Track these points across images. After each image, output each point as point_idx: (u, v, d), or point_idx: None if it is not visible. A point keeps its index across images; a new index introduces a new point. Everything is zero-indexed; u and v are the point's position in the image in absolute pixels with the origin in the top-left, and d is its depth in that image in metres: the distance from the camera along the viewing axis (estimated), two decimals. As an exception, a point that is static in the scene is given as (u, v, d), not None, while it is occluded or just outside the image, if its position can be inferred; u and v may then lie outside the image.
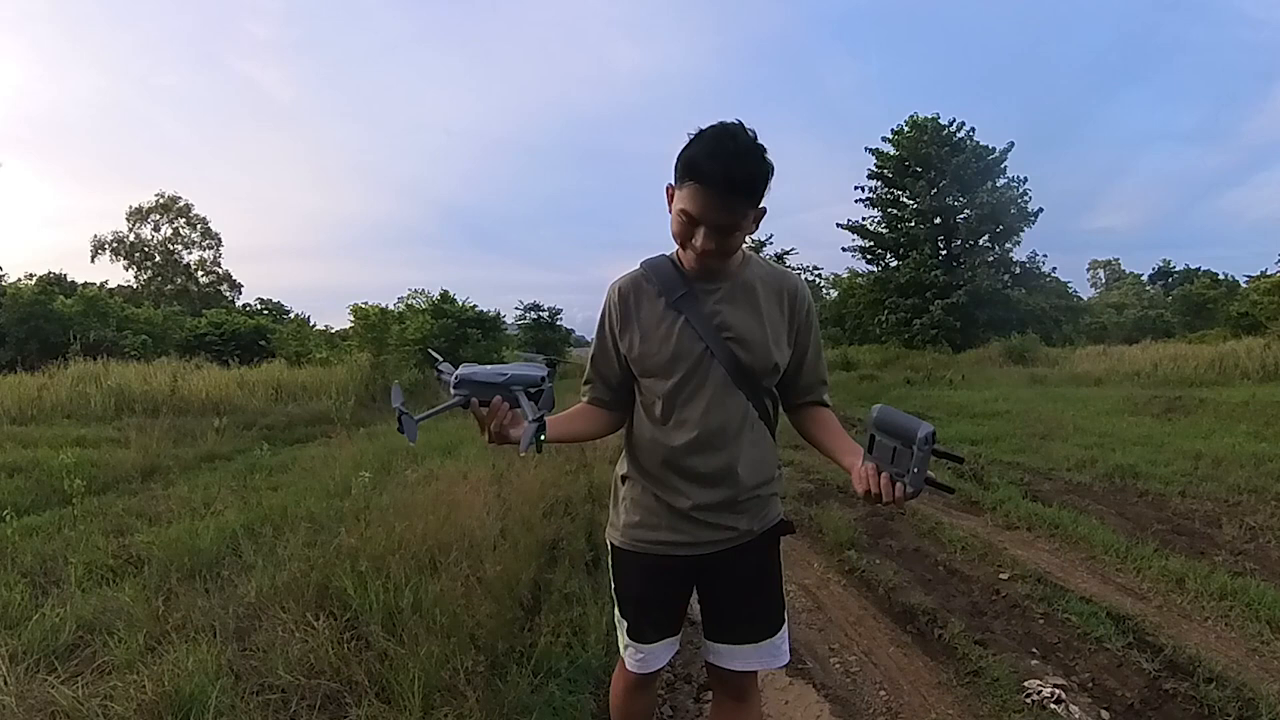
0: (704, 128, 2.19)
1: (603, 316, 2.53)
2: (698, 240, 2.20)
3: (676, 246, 2.36)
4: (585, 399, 2.61)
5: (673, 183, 2.24)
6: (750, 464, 2.42)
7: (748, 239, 2.37)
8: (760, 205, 2.23)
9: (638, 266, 2.51)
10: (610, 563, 2.70)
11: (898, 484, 2.01)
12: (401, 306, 36.86)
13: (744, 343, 2.37)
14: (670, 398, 2.38)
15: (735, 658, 2.57)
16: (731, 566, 2.51)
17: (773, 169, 2.19)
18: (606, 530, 2.70)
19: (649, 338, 2.40)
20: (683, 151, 2.18)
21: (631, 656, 2.63)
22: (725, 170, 2.09)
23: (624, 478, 2.60)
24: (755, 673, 2.68)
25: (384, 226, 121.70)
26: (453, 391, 2.20)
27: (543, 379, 2.28)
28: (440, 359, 2.45)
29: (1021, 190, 40.00)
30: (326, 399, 19.43)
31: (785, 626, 2.65)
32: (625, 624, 2.64)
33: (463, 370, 2.23)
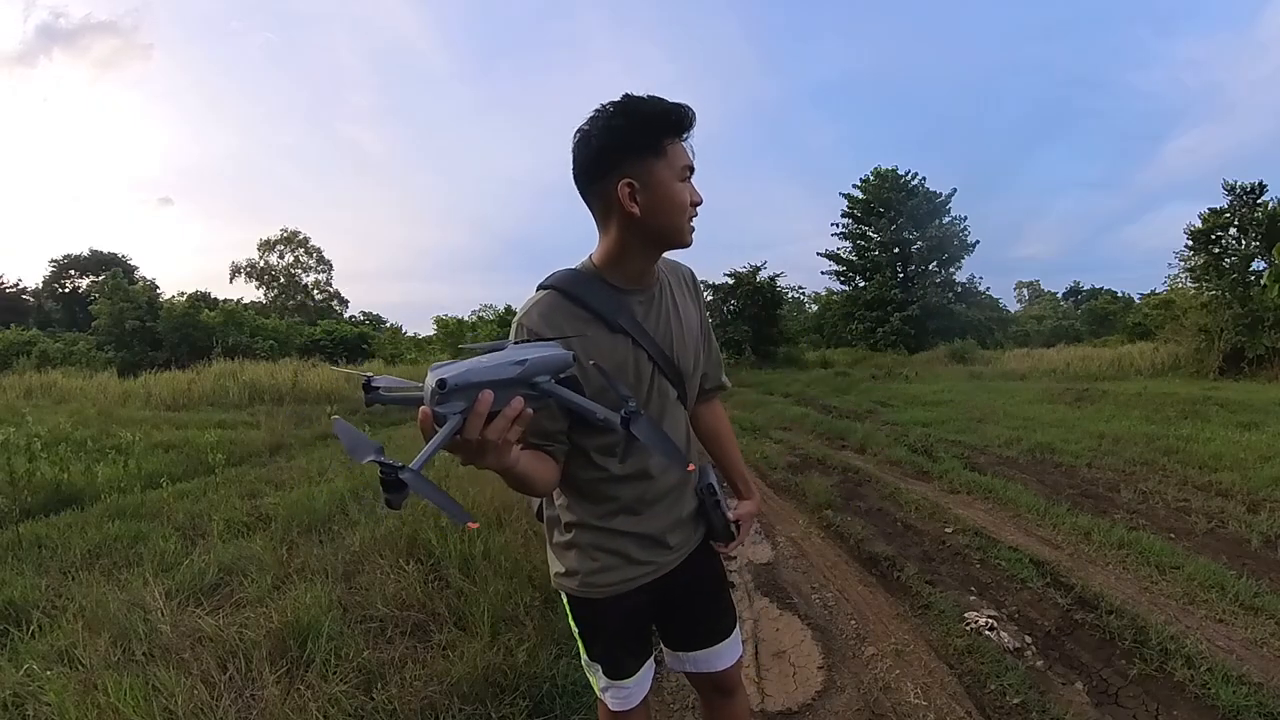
0: (606, 107, 1.66)
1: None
2: (695, 194, 1.73)
3: (595, 247, 1.80)
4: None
5: (639, 162, 1.65)
6: (694, 472, 1.97)
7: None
8: None
9: (545, 290, 1.78)
10: (570, 612, 2.01)
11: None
12: (474, 318, 36.96)
13: (685, 351, 1.90)
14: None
15: (718, 658, 2.09)
16: (690, 574, 2.01)
17: None
18: (557, 580, 1.98)
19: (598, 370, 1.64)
20: (632, 122, 1.65)
21: (615, 697, 2.02)
22: (690, 113, 1.69)
23: (571, 523, 1.91)
24: (739, 665, 2.17)
25: (459, 254, 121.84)
26: (436, 408, 1.15)
27: (574, 359, 1.36)
28: (371, 374, 1.26)
29: (962, 226, 39.79)
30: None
31: (738, 620, 2.22)
32: (599, 667, 2.02)
33: (448, 373, 1.15)
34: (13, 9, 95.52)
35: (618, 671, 2.00)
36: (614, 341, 1.76)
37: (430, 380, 1.14)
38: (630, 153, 1.65)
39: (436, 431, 1.17)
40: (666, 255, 1.90)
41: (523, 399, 1.23)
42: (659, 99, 1.67)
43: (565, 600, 2.02)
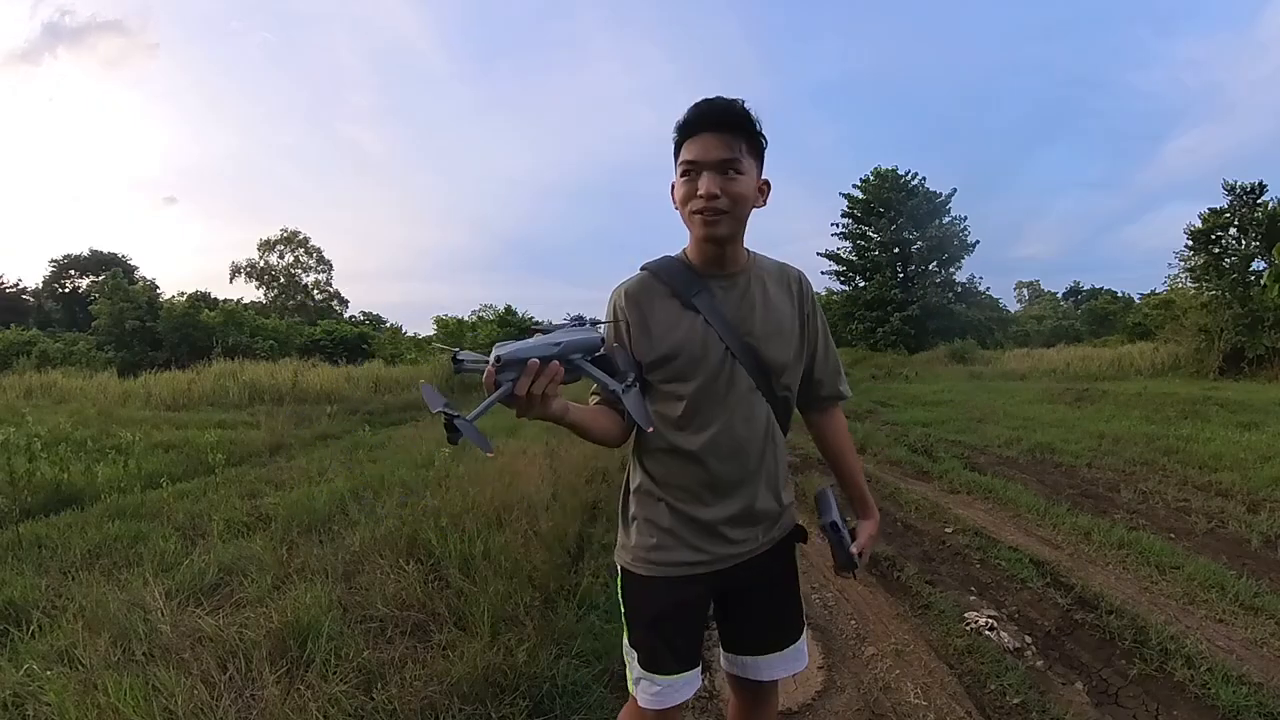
0: None
1: (611, 324, 1.91)
2: (702, 186, 1.75)
3: (687, 239, 1.92)
4: (596, 402, 1.91)
5: (675, 168, 1.84)
6: (770, 473, 1.97)
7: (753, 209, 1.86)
8: (759, 148, 1.82)
9: (640, 270, 1.96)
10: (621, 587, 2.01)
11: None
12: (474, 318, 37.01)
13: (764, 341, 1.89)
14: (694, 402, 1.84)
15: (764, 669, 2.04)
16: (752, 577, 1.98)
17: (759, 120, 1.80)
18: (616, 552, 2.04)
19: (667, 339, 1.84)
20: (679, 125, 1.83)
21: (646, 690, 1.92)
22: (710, 106, 1.78)
23: (636, 491, 1.97)
24: (790, 676, 2.13)
25: (459, 254, 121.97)
26: (497, 377, 1.44)
27: (602, 342, 1.67)
28: (458, 349, 1.55)
29: (962, 226, 39.89)
30: (415, 391, 19.48)
31: (806, 630, 2.16)
32: (637, 654, 1.95)
33: (504, 349, 1.46)
34: (19, 7, 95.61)
35: (654, 665, 1.91)
36: (684, 316, 1.87)
37: (492, 355, 1.44)
38: (676, 150, 1.84)
39: (494, 391, 1.46)
40: (777, 259, 2.06)
41: (560, 366, 1.51)
42: (703, 100, 1.81)
43: (620, 576, 2.01)
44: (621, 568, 1.99)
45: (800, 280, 2.03)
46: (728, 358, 1.85)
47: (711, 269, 1.89)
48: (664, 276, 1.91)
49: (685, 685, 1.92)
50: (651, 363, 1.86)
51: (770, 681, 2.08)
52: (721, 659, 2.14)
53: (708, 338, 1.84)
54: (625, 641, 2.01)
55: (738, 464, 1.88)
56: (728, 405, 1.86)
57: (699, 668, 1.98)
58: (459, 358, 1.52)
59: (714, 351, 1.84)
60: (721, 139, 1.75)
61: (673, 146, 1.84)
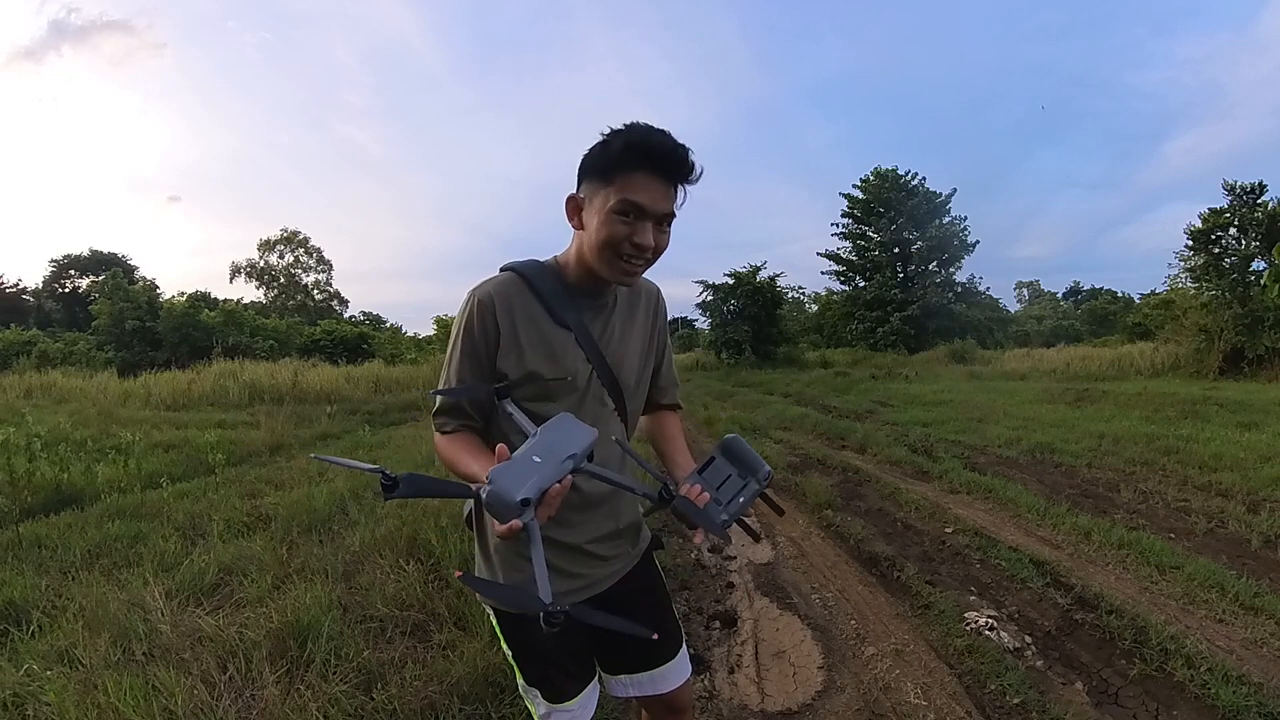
0: (614, 128, 1.64)
1: (468, 329, 1.74)
2: (640, 236, 1.63)
3: (567, 246, 1.81)
4: (450, 429, 1.78)
5: (592, 184, 1.66)
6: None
7: None
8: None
9: (504, 272, 1.83)
10: (501, 632, 1.90)
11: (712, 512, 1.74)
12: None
13: (626, 364, 1.88)
14: None
15: (669, 677, 2.02)
16: (631, 592, 1.94)
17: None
18: (482, 596, 1.92)
19: (535, 357, 1.73)
20: (605, 147, 1.63)
21: None
22: (667, 147, 1.60)
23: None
24: (689, 684, 2.10)
25: (457, 254, 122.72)
26: (526, 524, 1.26)
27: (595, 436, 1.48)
28: (383, 469, 1.25)
29: (962, 226, 39.86)
30: (414, 391, 19.60)
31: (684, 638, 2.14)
32: (537, 691, 1.88)
33: (529, 491, 1.25)
34: (25, 3, 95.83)
35: (558, 695, 1.88)
36: (555, 333, 1.76)
37: (511, 497, 1.23)
38: (588, 171, 1.67)
39: (524, 534, 1.26)
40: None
41: (570, 478, 1.37)
42: (650, 131, 1.62)
43: (494, 619, 1.90)
44: (496, 614, 1.89)
45: (657, 296, 2.02)
46: (591, 378, 1.80)
47: (589, 288, 1.81)
48: (535, 285, 1.78)
49: (590, 699, 1.93)
50: (516, 380, 1.72)
51: (680, 689, 2.04)
52: (612, 685, 2.07)
53: (576, 358, 1.78)
54: (520, 682, 1.93)
55: (600, 483, 1.73)
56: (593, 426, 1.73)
57: (595, 676, 1.98)
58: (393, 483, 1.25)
59: (581, 373, 1.78)
60: (669, 189, 1.65)
61: (602, 158, 1.64)
